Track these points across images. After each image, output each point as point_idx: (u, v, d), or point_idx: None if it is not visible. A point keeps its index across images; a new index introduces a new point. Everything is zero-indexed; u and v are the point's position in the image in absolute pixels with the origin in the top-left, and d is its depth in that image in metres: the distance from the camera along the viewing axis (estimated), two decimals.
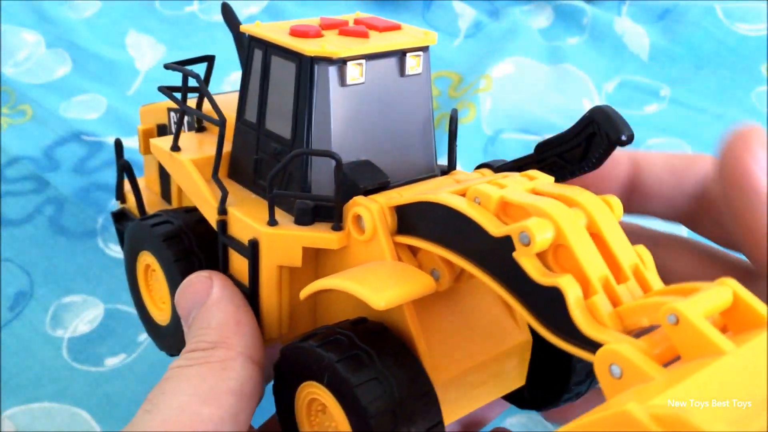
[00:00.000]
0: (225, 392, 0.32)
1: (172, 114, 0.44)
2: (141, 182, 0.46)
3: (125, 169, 0.43)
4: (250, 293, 0.36)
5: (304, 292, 0.33)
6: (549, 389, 0.36)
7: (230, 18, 0.43)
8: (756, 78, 0.80)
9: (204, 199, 0.37)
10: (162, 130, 0.45)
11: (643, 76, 0.82)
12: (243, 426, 0.32)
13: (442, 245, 0.31)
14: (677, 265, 0.37)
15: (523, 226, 0.27)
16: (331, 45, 0.33)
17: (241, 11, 0.88)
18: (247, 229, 0.35)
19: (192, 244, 0.38)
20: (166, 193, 0.45)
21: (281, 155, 0.35)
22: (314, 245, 0.34)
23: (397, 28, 0.35)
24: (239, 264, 0.36)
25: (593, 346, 0.26)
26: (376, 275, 0.32)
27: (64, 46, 0.82)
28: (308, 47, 0.33)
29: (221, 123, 0.36)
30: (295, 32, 0.34)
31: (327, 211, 0.34)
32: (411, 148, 0.36)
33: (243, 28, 0.36)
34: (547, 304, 0.28)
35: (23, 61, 0.80)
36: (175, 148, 0.39)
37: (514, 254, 0.28)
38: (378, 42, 0.34)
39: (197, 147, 0.39)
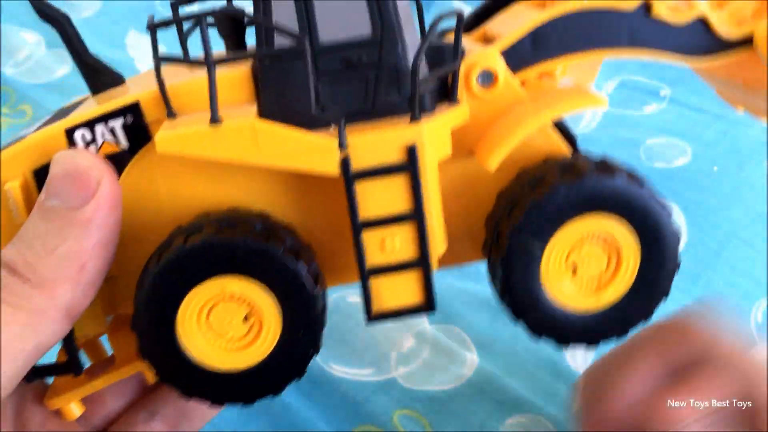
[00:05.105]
0: (8, 359, 0.29)
1: (98, 127, 0.33)
2: None
3: None
4: (416, 215, 0.32)
5: (501, 152, 0.33)
6: None
7: (45, 7, 0.35)
8: None
9: (308, 146, 0.31)
10: (43, 174, 0.32)
11: (643, 76, 0.82)
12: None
13: (568, 53, 0.35)
14: None
15: None
16: None
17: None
18: (392, 142, 0.31)
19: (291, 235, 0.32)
20: None
21: (363, 62, 0.31)
22: (457, 122, 0.33)
23: None
24: (379, 199, 0.32)
25: (743, 42, 0.35)
26: (550, 97, 0.35)
27: (64, 46, 0.82)
28: None
29: (300, 39, 0.30)
30: None
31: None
32: (407, 9, 0.34)
33: None
34: (692, 38, 0.35)
35: (23, 61, 0.80)
36: (217, 119, 0.30)
37: (654, 11, 0.35)
38: None
39: (225, 113, 0.31)
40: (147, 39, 0.90)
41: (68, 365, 0.35)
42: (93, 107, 0.34)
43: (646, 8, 0.35)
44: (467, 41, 0.38)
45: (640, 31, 0.35)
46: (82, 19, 0.86)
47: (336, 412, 0.51)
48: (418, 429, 0.51)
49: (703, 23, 0.35)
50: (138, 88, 0.34)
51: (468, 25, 0.40)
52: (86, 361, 0.40)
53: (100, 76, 0.36)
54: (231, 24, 0.37)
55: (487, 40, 0.38)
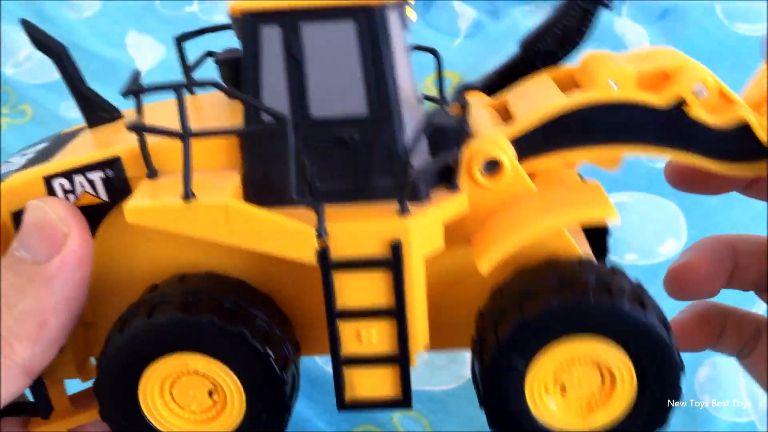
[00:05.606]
0: None
1: (77, 178, 0.31)
2: None
3: None
4: (397, 312, 0.30)
5: (494, 256, 0.29)
6: None
7: (42, 36, 0.34)
8: None
9: (284, 231, 0.29)
10: (21, 216, 0.31)
11: None
12: None
13: (586, 146, 0.32)
14: None
15: (693, 80, 0.31)
16: None
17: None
18: (376, 235, 0.29)
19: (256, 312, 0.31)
20: None
21: (355, 140, 0.29)
22: (452, 215, 0.30)
23: None
24: (358, 290, 0.30)
25: None
26: (561, 198, 0.31)
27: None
28: None
29: (281, 119, 0.28)
30: None
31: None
32: (411, 85, 0.32)
33: (237, 5, 0.29)
34: (731, 142, 0.31)
35: (23, 61, 0.80)
36: (190, 194, 0.29)
37: (689, 111, 0.31)
38: None
39: (200, 188, 0.29)
40: (147, 39, 0.91)
41: (37, 408, 0.34)
42: (75, 156, 0.32)
43: (682, 106, 0.31)
44: (482, 111, 0.34)
45: (673, 130, 0.31)
46: (82, 19, 0.86)
47: (336, 412, 0.51)
48: (418, 429, 0.51)
49: (745, 127, 0.31)
50: (125, 137, 0.32)
51: (492, 83, 0.37)
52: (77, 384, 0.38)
53: (96, 110, 0.35)
54: (229, 72, 0.35)
55: (505, 114, 0.34)
